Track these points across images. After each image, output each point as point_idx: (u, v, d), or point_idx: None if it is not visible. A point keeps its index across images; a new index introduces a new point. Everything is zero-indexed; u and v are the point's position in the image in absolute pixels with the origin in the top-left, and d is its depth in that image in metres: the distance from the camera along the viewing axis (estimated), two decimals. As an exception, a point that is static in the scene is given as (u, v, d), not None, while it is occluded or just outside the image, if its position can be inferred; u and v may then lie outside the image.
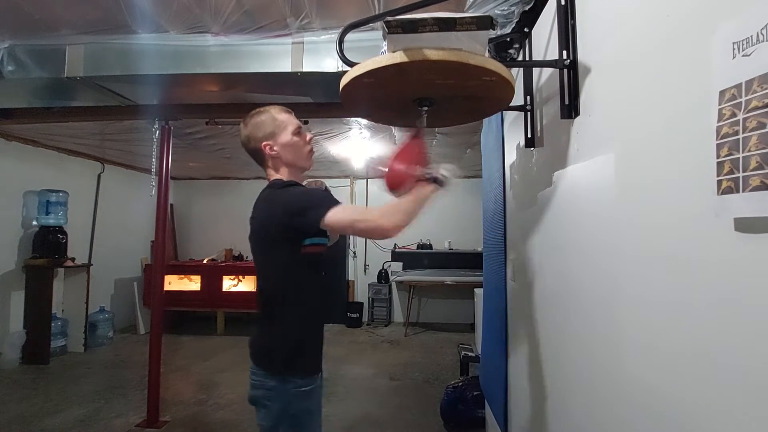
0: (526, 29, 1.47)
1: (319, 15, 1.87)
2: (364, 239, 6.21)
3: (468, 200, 6.06)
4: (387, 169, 1.22)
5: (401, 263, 6.01)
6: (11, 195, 4.10)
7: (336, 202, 1.14)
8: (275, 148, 1.27)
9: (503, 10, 1.36)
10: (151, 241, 5.50)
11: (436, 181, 1.17)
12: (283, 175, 1.30)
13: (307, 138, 1.33)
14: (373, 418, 2.94)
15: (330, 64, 1.99)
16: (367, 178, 6.21)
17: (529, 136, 1.45)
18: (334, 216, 1.10)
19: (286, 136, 1.28)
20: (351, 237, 6.18)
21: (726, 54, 0.53)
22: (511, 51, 1.61)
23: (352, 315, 5.81)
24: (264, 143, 1.27)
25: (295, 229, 1.17)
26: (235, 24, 1.92)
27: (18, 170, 4.13)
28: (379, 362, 4.21)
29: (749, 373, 0.50)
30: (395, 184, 1.22)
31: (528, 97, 1.47)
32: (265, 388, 1.21)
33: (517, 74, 1.58)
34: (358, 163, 5.00)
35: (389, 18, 0.90)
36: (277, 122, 1.29)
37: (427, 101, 1.12)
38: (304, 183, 1.39)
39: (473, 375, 2.96)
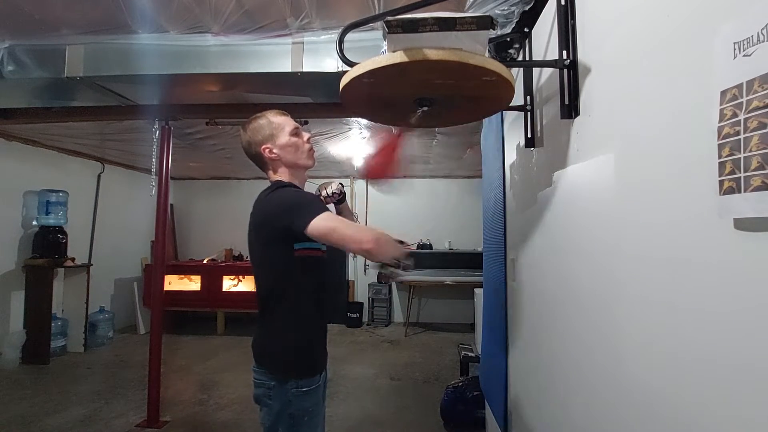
0: (526, 29, 1.47)
1: (319, 15, 1.87)
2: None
3: (468, 200, 6.07)
4: (369, 163, 1.28)
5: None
6: (11, 195, 4.10)
7: (322, 210, 1.13)
8: (274, 150, 1.29)
9: (503, 10, 1.36)
10: (151, 241, 5.50)
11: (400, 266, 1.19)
12: (283, 176, 1.31)
13: (306, 137, 1.34)
14: (374, 418, 2.94)
15: (330, 64, 1.99)
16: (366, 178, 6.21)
17: (529, 136, 1.45)
18: (316, 225, 1.10)
19: (283, 138, 1.30)
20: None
21: (727, 54, 0.52)
22: (511, 51, 1.60)
23: (353, 315, 5.81)
24: (263, 147, 1.29)
25: (285, 231, 1.17)
26: (235, 24, 1.92)
27: (18, 170, 4.13)
28: (380, 362, 4.21)
29: (750, 374, 0.50)
30: (374, 175, 1.31)
31: (528, 97, 1.46)
32: (266, 386, 1.22)
33: (517, 74, 1.58)
34: (358, 163, 5.00)
35: (389, 18, 0.90)
36: (274, 125, 1.30)
37: (427, 101, 1.12)
38: (307, 185, 1.40)
39: (473, 375, 2.96)
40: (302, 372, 1.22)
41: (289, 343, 1.23)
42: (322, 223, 1.10)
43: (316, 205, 1.15)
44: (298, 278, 1.23)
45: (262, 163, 1.33)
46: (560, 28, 1.09)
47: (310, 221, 1.10)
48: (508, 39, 1.50)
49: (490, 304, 2.11)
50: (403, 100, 1.13)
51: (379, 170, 1.29)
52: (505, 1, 1.34)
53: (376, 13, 1.72)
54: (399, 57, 0.90)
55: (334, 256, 1.43)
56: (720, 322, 0.55)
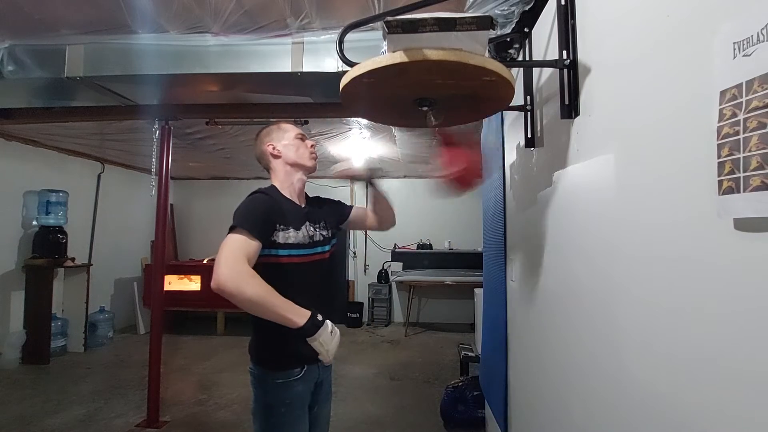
0: (526, 29, 1.47)
1: (319, 15, 1.87)
2: (364, 239, 6.22)
3: (468, 200, 6.05)
4: (457, 170, 1.24)
5: (401, 263, 6.01)
6: (11, 195, 4.09)
7: (239, 231, 1.13)
8: (277, 147, 1.38)
9: (503, 10, 1.36)
10: (151, 241, 5.50)
11: (311, 327, 1.11)
12: (279, 177, 1.38)
13: (309, 144, 1.42)
14: (374, 418, 2.94)
15: (330, 64, 1.99)
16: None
17: (529, 136, 1.45)
18: (224, 242, 1.12)
19: (287, 138, 1.39)
20: (350, 237, 6.19)
21: (726, 54, 0.52)
22: (511, 51, 1.60)
23: (352, 315, 5.81)
24: (267, 144, 1.38)
25: None
26: (235, 24, 1.92)
27: (18, 170, 4.13)
28: (380, 362, 4.21)
29: (749, 374, 0.50)
30: (465, 182, 1.26)
31: (528, 97, 1.47)
32: (253, 375, 1.29)
33: (517, 74, 1.58)
34: (358, 163, 4.99)
35: (389, 18, 0.90)
36: (282, 129, 1.41)
37: (427, 101, 1.12)
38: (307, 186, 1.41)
39: (473, 375, 2.96)
40: (276, 364, 1.26)
41: (265, 337, 1.28)
42: (224, 240, 1.13)
43: (241, 223, 1.15)
44: (265, 279, 1.18)
45: (266, 161, 1.40)
46: (560, 28, 1.09)
47: (228, 234, 1.14)
48: (508, 39, 1.50)
49: (490, 304, 2.12)
50: (403, 100, 1.13)
51: (466, 178, 1.28)
52: (505, 1, 1.34)
53: (376, 13, 1.72)
54: (399, 57, 0.90)
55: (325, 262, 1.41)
56: (719, 323, 0.55)
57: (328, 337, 1.14)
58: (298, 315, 1.11)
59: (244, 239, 1.13)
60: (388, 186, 5.81)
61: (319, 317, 1.14)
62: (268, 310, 1.09)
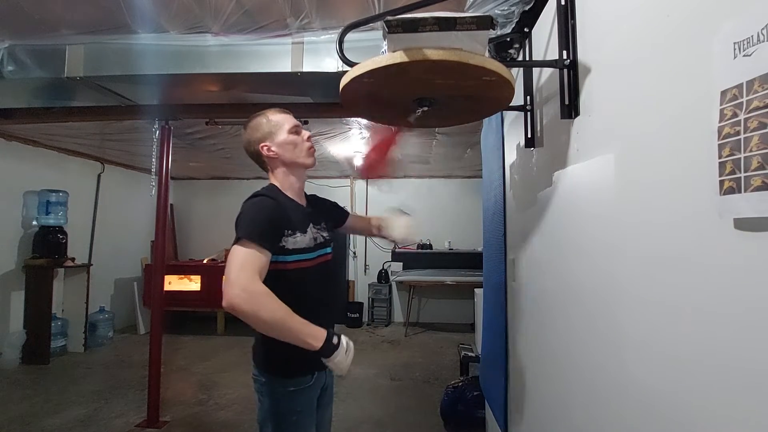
0: (526, 29, 1.47)
1: (319, 15, 1.87)
2: (364, 239, 6.22)
3: (468, 200, 6.07)
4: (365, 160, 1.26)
5: (401, 263, 6.01)
6: (11, 195, 4.10)
7: (248, 240, 1.06)
8: (273, 148, 1.27)
9: (503, 10, 1.36)
10: (151, 241, 5.50)
11: (327, 350, 1.08)
12: (278, 177, 1.30)
13: (306, 136, 1.32)
14: (374, 418, 2.94)
15: (330, 64, 1.99)
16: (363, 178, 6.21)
17: (529, 136, 1.45)
18: (231, 255, 1.06)
19: (282, 135, 1.27)
20: (350, 237, 6.19)
21: (727, 54, 0.52)
22: (511, 51, 1.60)
23: (352, 315, 5.81)
24: (261, 144, 1.27)
25: None
26: (235, 24, 1.92)
27: (18, 170, 4.13)
28: (380, 362, 4.21)
29: (749, 374, 0.50)
30: (367, 171, 1.29)
31: (528, 97, 1.46)
32: (259, 383, 1.23)
33: (517, 74, 1.58)
34: (358, 164, 5.00)
35: (389, 18, 0.90)
36: (273, 122, 1.28)
37: (427, 101, 1.12)
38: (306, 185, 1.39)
39: (473, 375, 2.96)
40: (287, 372, 1.21)
41: (274, 344, 1.14)
42: (232, 253, 1.06)
43: (248, 233, 1.07)
44: (272, 287, 1.13)
45: (261, 162, 1.31)
46: (560, 28, 1.09)
47: (234, 243, 1.07)
48: (508, 39, 1.50)
49: (490, 304, 2.12)
50: (403, 100, 1.13)
51: (373, 167, 1.27)
52: (505, 1, 1.34)
53: (376, 13, 1.72)
54: (399, 57, 0.90)
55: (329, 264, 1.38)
56: (720, 323, 0.55)
57: (343, 357, 1.11)
58: (315, 338, 1.06)
59: (253, 252, 1.05)
60: (389, 186, 5.75)
61: (335, 339, 1.10)
62: (285, 332, 1.04)
